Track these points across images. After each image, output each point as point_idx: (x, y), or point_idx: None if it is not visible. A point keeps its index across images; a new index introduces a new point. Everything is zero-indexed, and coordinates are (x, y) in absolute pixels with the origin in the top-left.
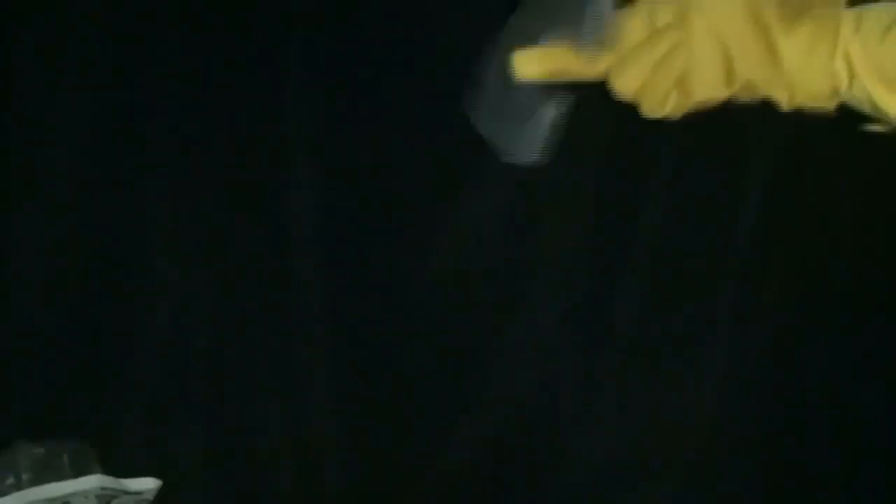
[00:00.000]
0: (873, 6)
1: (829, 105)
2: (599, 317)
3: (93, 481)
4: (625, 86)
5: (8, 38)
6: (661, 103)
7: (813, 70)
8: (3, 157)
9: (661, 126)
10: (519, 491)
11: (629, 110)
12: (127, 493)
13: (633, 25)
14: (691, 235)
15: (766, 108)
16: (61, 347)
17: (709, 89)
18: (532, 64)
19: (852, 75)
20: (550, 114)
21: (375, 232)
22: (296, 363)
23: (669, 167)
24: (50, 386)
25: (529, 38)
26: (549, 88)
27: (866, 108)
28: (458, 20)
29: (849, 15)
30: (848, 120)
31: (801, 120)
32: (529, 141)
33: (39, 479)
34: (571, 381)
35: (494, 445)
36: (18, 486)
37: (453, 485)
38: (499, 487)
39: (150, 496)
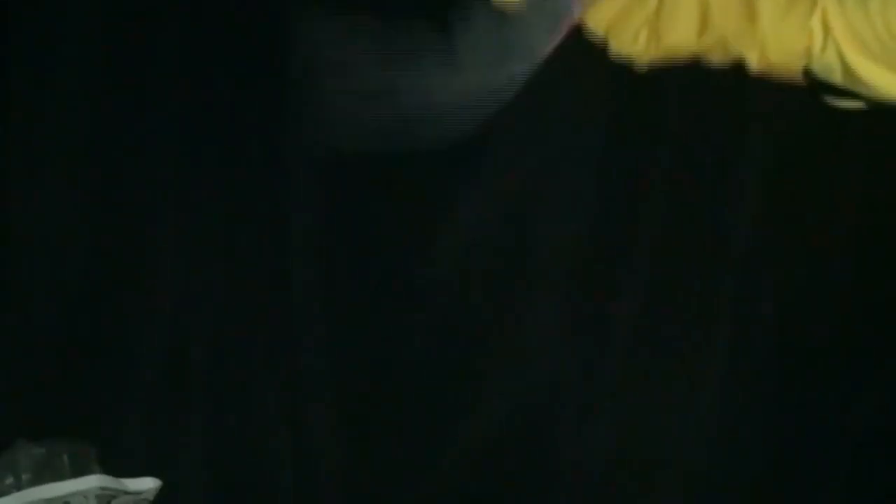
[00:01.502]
0: None
1: (799, 64)
2: (600, 317)
3: (93, 481)
4: (596, 20)
5: (8, 39)
6: (631, 42)
7: (789, 26)
8: (3, 158)
9: (660, 125)
10: (519, 491)
11: (628, 108)
12: (127, 493)
13: None
14: (691, 235)
15: (766, 104)
16: (61, 347)
17: (680, 35)
18: None
19: (827, 37)
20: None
21: (375, 232)
22: (296, 363)
23: (669, 166)
24: (50, 386)
25: None
26: None
27: (836, 78)
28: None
29: None
30: (848, 116)
31: (802, 116)
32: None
33: (39, 479)
34: (571, 380)
35: (494, 445)
36: (18, 486)
37: (453, 485)
38: (499, 487)
39: (150, 496)
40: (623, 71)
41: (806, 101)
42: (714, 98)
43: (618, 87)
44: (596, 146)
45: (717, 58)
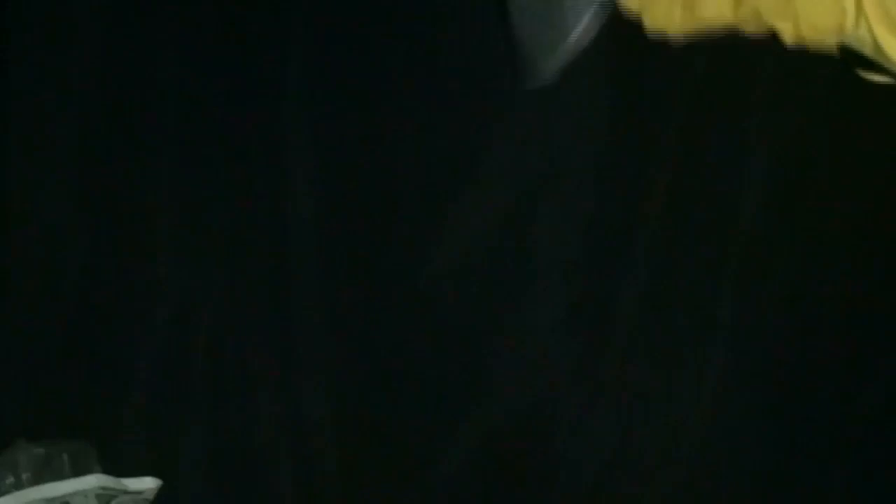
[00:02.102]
0: None
1: (832, 40)
2: (599, 317)
3: (93, 481)
4: None
5: (8, 39)
6: (665, 16)
7: (821, 3)
8: (3, 158)
9: (661, 125)
10: (518, 491)
11: (627, 109)
12: (127, 492)
13: None
14: (691, 235)
15: (766, 103)
16: (61, 347)
17: (715, 7)
18: None
19: (859, 13)
20: (582, 33)
21: (375, 233)
22: (296, 363)
23: (669, 166)
24: (50, 386)
25: None
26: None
27: (868, 51)
28: (460, 19)
29: None
30: (849, 116)
31: (803, 116)
32: (556, 56)
33: (39, 479)
34: (571, 381)
35: (494, 445)
36: (18, 486)
37: (452, 485)
38: (498, 488)
39: (150, 496)
40: (625, 71)
41: (825, 107)
42: (716, 99)
43: (620, 85)
44: (596, 146)
45: (750, 29)
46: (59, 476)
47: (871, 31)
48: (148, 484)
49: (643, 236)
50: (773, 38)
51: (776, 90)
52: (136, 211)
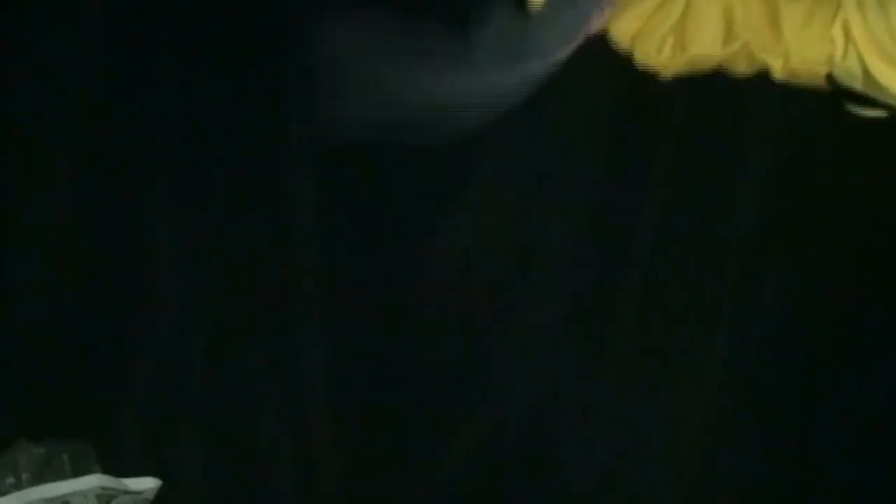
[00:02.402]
0: None
1: (822, 71)
2: (600, 316)
3: (93, 481)
4: (621, 30)
5: (8, 39)
6: (656, 52)
7: (811, 34)
8: (3, 158)
9: (661, 124)
10: (519, 491)
11: (630, 109)
12: (127, 492)
13: None
14: (691, 234)
15: (765, 104)
16: (61, 347)
17: (705, 44)
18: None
19: (848, 44)
20: (553, 55)
21: (376, 234)
22: (295, 364)
23: (669, 166)
24: (50, 386)
25: None
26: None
27: (857, 85)
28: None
29: None
30: (847, 117)
31: (801, 118)
32: (528, 74)
33: (39, 478)
34: (572, 380)
35: (494, 445)
36: (18, 486)
37: (452, 485)
38: (498, 487)
39: (150, 496)
40: (626, 70)
41: (823, 108)
42: (716, 99)
43: (621, 86)
44: (597, 147)
45: (741, 67)
46: (59, 476)
47: (861, 60)
48: (148, 484)
49: (644, 236)
50: (761, 74)
51: (776, 91)
52: (137, 212)
